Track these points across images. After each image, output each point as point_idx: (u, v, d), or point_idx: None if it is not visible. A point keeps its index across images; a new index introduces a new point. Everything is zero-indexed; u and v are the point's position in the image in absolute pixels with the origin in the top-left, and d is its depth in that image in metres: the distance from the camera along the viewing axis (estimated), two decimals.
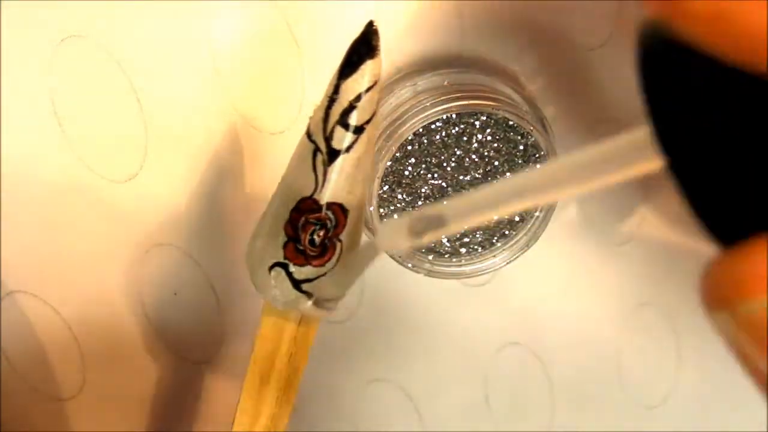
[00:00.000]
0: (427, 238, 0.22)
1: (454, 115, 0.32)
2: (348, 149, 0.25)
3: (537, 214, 0.33)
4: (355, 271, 0.26)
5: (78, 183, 0.33)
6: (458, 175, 0.33)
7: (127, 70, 0.32)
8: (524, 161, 0.33)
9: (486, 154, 0.33)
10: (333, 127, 0.25)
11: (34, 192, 0.33)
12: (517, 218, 0.34)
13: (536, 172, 0.21)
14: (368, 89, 0.25)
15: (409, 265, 0.34)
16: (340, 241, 0.27)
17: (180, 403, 0.38)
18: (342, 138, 0.25)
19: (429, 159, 0.33)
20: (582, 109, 0.36)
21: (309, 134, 0.26)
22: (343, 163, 0.25)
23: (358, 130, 0.25)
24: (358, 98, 0.25)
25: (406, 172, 0.33)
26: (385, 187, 0.33)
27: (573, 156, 0.18)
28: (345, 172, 0.26)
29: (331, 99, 0.25)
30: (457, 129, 0.32)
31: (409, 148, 0.32)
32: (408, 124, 0.31)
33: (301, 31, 0.33)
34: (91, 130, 0.33)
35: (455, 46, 0.34)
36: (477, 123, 0.32)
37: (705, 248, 0.42)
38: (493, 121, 0.32)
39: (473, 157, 0.33)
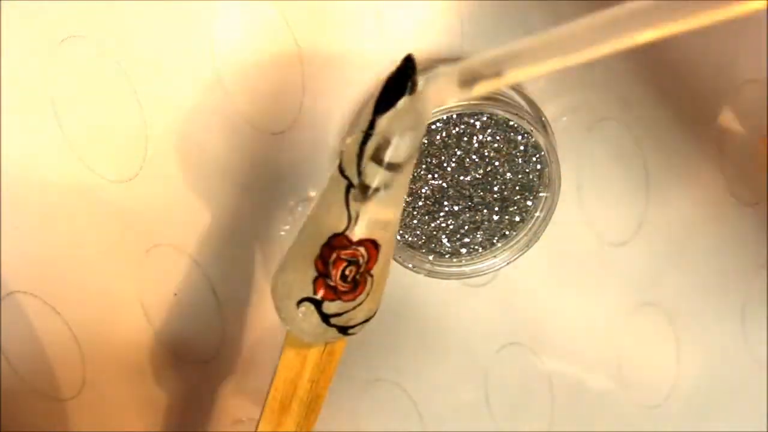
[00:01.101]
0: (479, 90, 0.19)
1: (454, 115, 0.32)
2: (384, 187, 0.24)
3: (537, 214, 0.34)
4: (403, 131, 0.23)
5: (78, 183, 0.33)
6: (458, 175, 0.33)
7: (127, 70, 0.32)
8: (524, 161, 0.33)
9: (486, 154, 0.33)
10: (367, 164, 0.24)
11: (34, 192, 0.33)
12: (517, 218, 0.34)
13: (620, 7, 0.17)
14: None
15: (410, 265, 0.34)
16: (371, 275, 0.26)
17: (179, 404, 0.38)
18: (376, 175, 0.24)
19: (429, 159, 0.33)
20: (582, 109, 0.36)
21: (341, 169, 0.25)
22: (377, 200, 0.24)
23: (394, 167, 0.24)
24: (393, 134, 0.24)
25: None
26: None
27: None
28: (378, 208, 0.25)
29: (366, 134, 0.24)
30: (457, 129, 0.32)
31: None
32: None
33: (301, 31, 0.33)
34: (91, 131, 0.33)
35: (455, 46, 0.34)
36: (477, 123, 0.32)
37: (705, 248, 0.42)
38: (493, 121, 0.32)
39: (473, 157, 0.33)
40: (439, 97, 0.21)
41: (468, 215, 0.34)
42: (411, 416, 0.40)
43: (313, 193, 0.36)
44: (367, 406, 0.40)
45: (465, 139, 0.32)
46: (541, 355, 0.40)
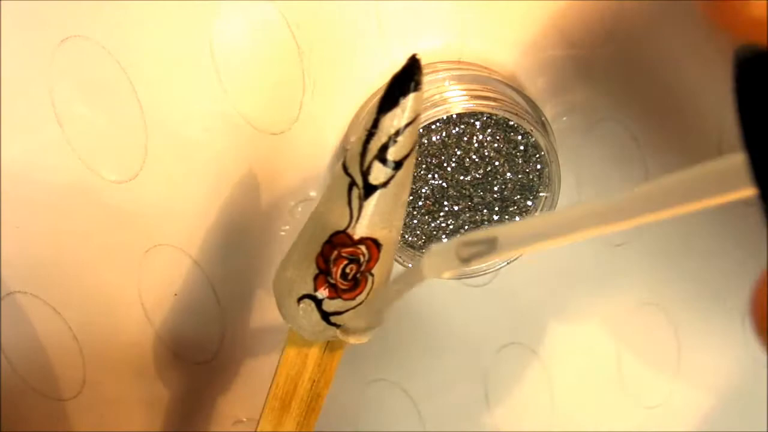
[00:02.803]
0: (475, 264, 0.21)
1: (454, 115, 0.32)
2: (385, 184, 0.24)
3: (537, 214, 0.33)
4: (391, 298, 0.25)
5: (78, 183, 0.33)
6: (458, 175, 0.33)
7: (127, 70, 0.32)
8: (524, 161, 0.33)
9: (486, 154, 0.33)
10: (371, 162, 0.24)
11: (34, 192, 0.33)
12: (517, 218, 0.34)
13: (607, 199, 0.19)
14: (408, 124, 0.24)
15: (410, 265, 0.34)
16: (372, 275, 0.26)
17: (180, 403, 0.38)
18: (379, 173, 0.24)
19: (429, 159, 0.33)
20: (582, 109, 0.36)
21: (345, 167, 0.25)
22: (379, 199, 0.25)
23: (397, 166, 0.24)
24: (397, 133, 0.24)
25: None
26: None
27: (646, 186, 0.17)
28: (381, 207, 0.25)
29: (370, 133, 0.24)
30: (457, 129, 0.32)
31: None
32: None
33: (301, 31, 0.33)
34: (91, 130, 0.33)
35: (455, 46, 0.34)
36: (477, 123, 0.32)
37: (705, 248, 0.42)
38: (493, 121, 0.32)
39: (473, 157, 0.33)
40: (438, 271, 0.22)
41: (468, 215, 0.34)
42: (411, 416, 0.40)
43: (313, 193, 0.36)
44: (367, 406, 0.40)
45: (465, 139, 0.32)
46: (541, 355, 0.40)
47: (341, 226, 0.25)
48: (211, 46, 0.32)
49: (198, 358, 0.38)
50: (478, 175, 0.33)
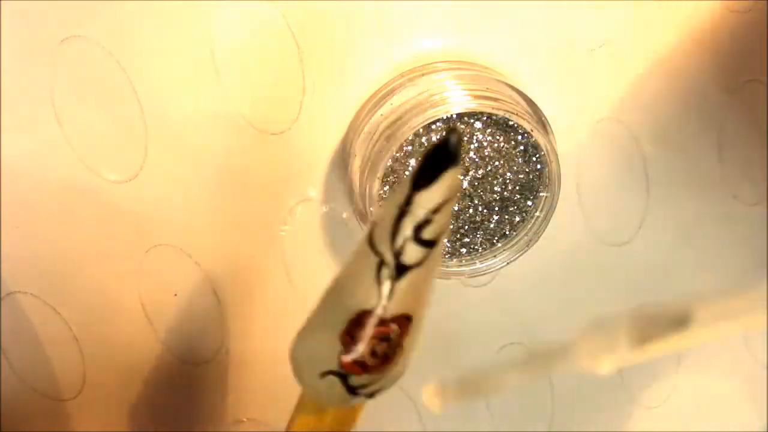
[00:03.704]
0: None
1: (454, 115, 0.32)
2: (420, 263, 0.23)
3: (537, 214, 0.34)
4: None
5: (78, 183, 0.33)
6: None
7: (128, 70, 0.32)
8: (524, 161, 0.33)
9: (486, 154, 0.33)
10: (404, 242, 0.22)
11: (34, 192, 0.33)
12: (517, 218, 0.34)
13: None
14: (446, 201, 0.22)
15: None
16: (402, 347, 0.25)
17: (180, 404, 0.38)
18: (415, 253, 0.22)
19: None
20: (582, 109, 0.36)
21: (372, 244, 0.23)
22: (413, 278, 0.23)
23: (432, 244, 0.22)
24: (435, 211, 0.22)
25: (406, 172, 0.33)
26: (386, 187, 0.33)
27: None
28: (414, 285, 0.23)
29: (402, 211, 0.22)
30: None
31: (409, 148, 0.32)
32: (408, 124, 0.31)
33: (301, 31, 0.33)
34: (91, 131, 0.33)
35: (455, 46, 0.34)
36: (477, 123, 0.32)
37: (705, 248, 0.42)
38: (493, 121, 0.32)
39: (473, 157, 0.33)
40: None
41: (468, 215, 0.34)
42: (411, 416, 0.40)
43: (313, 194, 0.36)
44: (367, 406, 0.40)
45: (465, 139, 0.32)
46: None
47: (370, 306, 0.23)
48: (211, 46, 0.32)
49: (198, 357, 0.38)
50: (478, 175, 0.33)
